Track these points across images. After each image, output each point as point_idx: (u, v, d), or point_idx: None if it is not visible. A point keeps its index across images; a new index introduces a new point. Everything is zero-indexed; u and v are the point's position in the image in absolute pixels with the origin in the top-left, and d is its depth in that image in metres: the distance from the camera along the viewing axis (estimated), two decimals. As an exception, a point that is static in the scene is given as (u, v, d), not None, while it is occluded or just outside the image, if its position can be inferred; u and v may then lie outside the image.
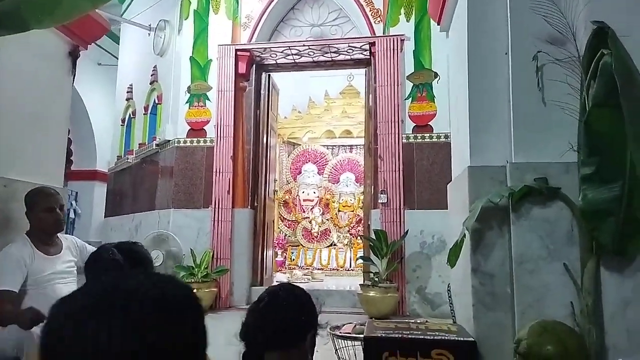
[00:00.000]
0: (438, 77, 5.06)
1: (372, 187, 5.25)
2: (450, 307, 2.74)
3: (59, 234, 2.40)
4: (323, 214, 8.94)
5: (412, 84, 5.15)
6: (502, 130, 2.29)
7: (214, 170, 5.30)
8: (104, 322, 0.50)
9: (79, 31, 3.21)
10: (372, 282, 4.64)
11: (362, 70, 5.69)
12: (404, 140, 5.06)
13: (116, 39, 7.50)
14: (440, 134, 5.02)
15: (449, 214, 2.95)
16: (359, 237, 8.65)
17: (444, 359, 1.91)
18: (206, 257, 4.96)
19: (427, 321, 2.53)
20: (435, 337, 1.97)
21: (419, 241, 4.89)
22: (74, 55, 3.21)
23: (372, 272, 4.81)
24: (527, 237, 2.13)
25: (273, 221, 6.42)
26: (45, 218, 2.28)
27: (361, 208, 8.85)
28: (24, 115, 2.87)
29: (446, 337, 1.96)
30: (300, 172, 9.25)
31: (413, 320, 2.54)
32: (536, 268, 2.09)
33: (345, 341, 2.48)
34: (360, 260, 5.65)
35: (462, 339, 1.97)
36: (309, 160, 9.30)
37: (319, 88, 8.45)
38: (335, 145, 9.45)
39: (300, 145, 9.42)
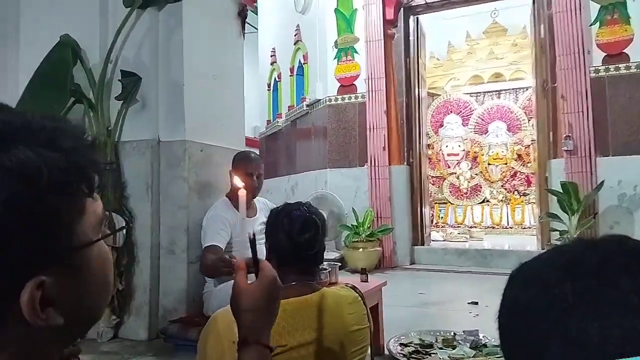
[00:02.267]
0: (638, -9, 4.11)
1: (551, 133, 4.57)
2: None
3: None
4: (471, 168, 8.30)
5: (598, 6, 4.27)
6: None
7: (368, 126, 5.10)
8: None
9: (244, -10, 3.15)
10: (563, 242, 4.08)
11: (510, 2, 4.85)
12: (592, 75, 4.28)
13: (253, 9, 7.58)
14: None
15: None
16: (515, 192, 7.91)
17: None
18: (368, 216, 4.85)
19: None
20: None
21: (617, 193, 4.17)
22: (242, 15, 3.16)
23: (558, 230, 4.24)
24: None
25: (427, 178, 6.07)
26: (244, 182, 2.31)
27: (515, 160, 8.07)
28: (207, 78, 2.90)
29: None
30: (442, 125, 8.64)
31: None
32: None
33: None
34: (541, 218, 5.03)
35: None
36: (452, 111, 8.61)
37: (458, 30, 7.65)
38: (479, 93, 8.61)
39: (440, 95, 8.77)
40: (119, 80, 2.68)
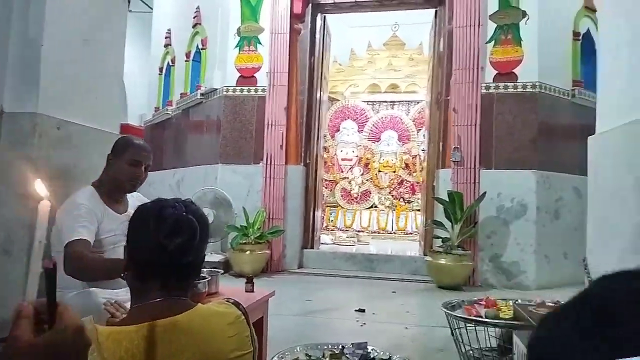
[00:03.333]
0: (527, 17, 4.36)
1: (441, 143, 4.67)
2: (593, 286, 2.21)
3: None
4: (363, 174, 8.43)
5: (495, 25, 4.46)
6: None
7: (266, 122, 4.79)
8: None
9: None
10: (445, 249, 4.16)
11: (410, 19, 4.95)
12: (483, 90, 4.44)
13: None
14: (527, 83, 4.38)
15: (591, 172, 2.37)
16: (401, 199, 8.18)
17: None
18: (259, 216, 4.53)
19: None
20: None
21: (496, 205, 4.36)
22: (126, -27, 2.64)
23: (441, 238, 4.32)
24: None
25: (322, 180, 5.93)
26: (128, 171, 1.87)
27: (403, 168, 8.35)
28: (76, 41, 2.33)
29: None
30: (338, 130, 8.69)
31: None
32: None
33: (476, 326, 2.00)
34: (415, 225, 5.13)
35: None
36: (349, 117, 8.70)
37: (360, 39, 7.74)
38: (376, 102, 8.81)
39: (339, 100, 8.79)
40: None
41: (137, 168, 1.89)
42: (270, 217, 4.72)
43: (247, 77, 4.89)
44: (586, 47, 4.68)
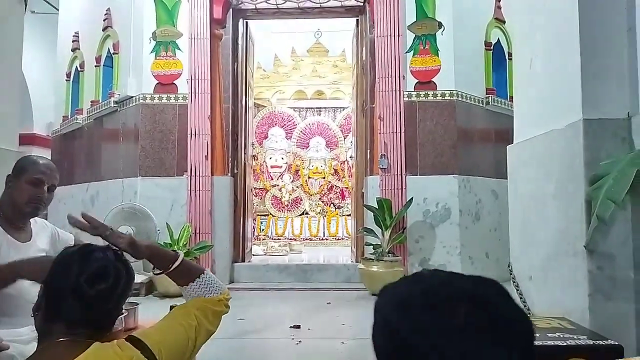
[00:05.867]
0: (443, 28, 4.51)
1: (368, 150, 4.70)
2: (518, 291, 2.28)
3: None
4: (293, 181, 8.34)
5: (413, 35, 4.56)
6: (622, 74, 1.77)
7: (189, 131, 4.53)
8: None
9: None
10: (377, 256, 4.16)
11: (332, 26, 4.94)
12: (406, 99, 4.52)
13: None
14: (445, 92, 4.52)
15: (511, 181, 2.44)
16: (331, 205, 8.19)
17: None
18: (185, 232, 4.26)
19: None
20: (569, 343, 1.48)
21: (422, 210, 4.45)
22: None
23: (372, 245, 4.33)
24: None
25: (251, 190, 5.74)
26: (28, 191, 1.62)
27: (332, 174, 8.38)
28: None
29: (583, 342, 1.49)
30: (266, 137, 8.52)
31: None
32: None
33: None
34: (346, 232, 5.12)
35: (603, 342, 1.50)
36: (276, 124, 8.57)
37: (285, 45, 7.66)
38: (302, 108, 8.76)
39: (265, 107, 8.64)
40: None
41: (39, 188, 1.65)
42: (197, 232, 4.47)
43: (165, 84, 4.59)
44: (497, 56, 4.95)
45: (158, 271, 1.21)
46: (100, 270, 0.93)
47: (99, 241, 1.13)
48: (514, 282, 2.33)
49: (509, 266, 2.43)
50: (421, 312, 0.51)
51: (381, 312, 0.55)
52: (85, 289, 0.90)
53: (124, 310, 1.74)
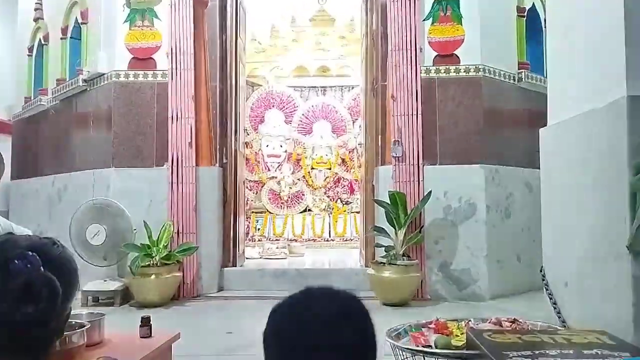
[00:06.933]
0: (467, -10, 4.47)
1: (379, 136, 4.68)
2: (551, 300, 2.26)
3: None
4: (293, 172, 8.33)
5: (432, 0, 4.52)
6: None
7: (170, 114, 4.54)
8: None
9: None
10: (389, 259, 4.15)
11: None
12: (423, 74, 4.50)
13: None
14: (470, 67, 4.49)
15: (544, 171, 2.42)
16: (338, 201, 8.19)
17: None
18: (166, 231, 4.28)
19: (556, 328, 2.04)
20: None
21: (442, 205, 4.44)
22: None
23: (384, 246, 4.32)
24: None
25: (244, 182, 5.75)
26: None
27: (339, 165, 8.36)
28: None
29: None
30: (262, 121, 8.50)
31: (533, 324, 2.04)
32: None
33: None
34: (367, 232, 5.11)
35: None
36: (273, 106, 8.53)
37: (283, 13, 7.62)
38: (305, 87, 8.74)
39: (261, 86, 8.62)
40: None
41: None
42: (180, 231, 4.49)
43: (142, 59, 4.60)
44: (531, 24, 4.90)
45: None
46: (26, 288, 0.80)
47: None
48: (546, 289, 2.32)
49: (541, 271, 2.41)
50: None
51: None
52: (10, 314, 0.79)
53: (86, 323, 1.75)
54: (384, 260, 4.21)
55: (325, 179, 8.32)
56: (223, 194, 4.86)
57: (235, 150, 5.08)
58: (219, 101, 4.77)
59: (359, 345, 0.83)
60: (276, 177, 8.24)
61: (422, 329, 2.24)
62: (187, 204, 4.53)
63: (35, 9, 5.64)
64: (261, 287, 4.72)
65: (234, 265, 4.97)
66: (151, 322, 1.97)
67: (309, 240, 7.71)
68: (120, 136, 4.58)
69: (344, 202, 8.12)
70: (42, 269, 0.82)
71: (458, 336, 2.10)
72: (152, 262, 4.13)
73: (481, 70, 4.48)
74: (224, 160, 4.87)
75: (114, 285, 4.18)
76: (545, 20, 4.85)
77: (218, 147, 4.76)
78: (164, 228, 4.30)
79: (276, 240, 7.56)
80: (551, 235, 2.37)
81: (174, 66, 4.53)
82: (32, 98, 5.67)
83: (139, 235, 4.23)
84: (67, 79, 5.08)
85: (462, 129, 4.48)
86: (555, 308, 2.22)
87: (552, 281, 2.31)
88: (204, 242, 4.59)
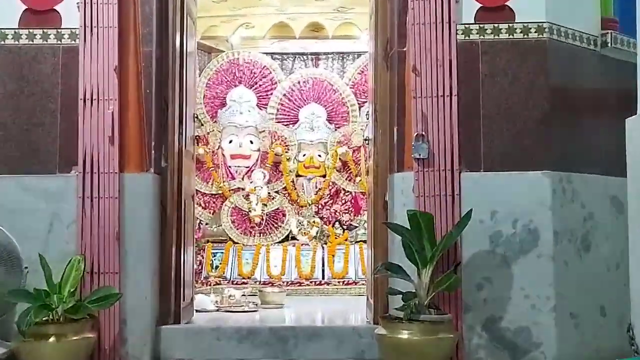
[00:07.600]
0: None
1: (396, 128, 4.74)
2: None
3: None
4: (270, 182, 8.42)
5: None
6: None
7: (82, 96, 4.61)
8: None
9: None
10: (408, 313, 4.18)
11: None
12: (460, 37, 4.57)
13: None
14: (530, 25, 4.56)
15: (633, 179, 2.45)
16: (336, 224, 8.25)
17: None
18: (73, 270, 4.31)
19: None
20: None
21: (489, 232, 4.49)
22: None
23: (401, 293, 4.35)
24: None
25: (193, 197, 5.82)
26: None
27: (339, 170, 8.45)
28: None
29: None
30: (224, 104, 8.64)
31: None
32: None
33: None
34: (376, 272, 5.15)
35: None
36: (241, 82, 8.70)
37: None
38: (287, 54, 8.87)
39: (222, 52, 8.73)
40: None
41: None
42: (95, 270, 4.56)
43: (40, 12, 4.72)
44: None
45: None
46: None
47: None
48: (635, 351, 2.35)
49: (628, 330, 2.44)
50: None
51: None
52: None
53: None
54: (401, 314, 4.23)
55: (317, 192, 8.42)
56: (161, 215, 4.92)
57: (181, 149, 5.15)
58: (155, 75, 4.84)
59: None
60: (244, 189, 8.33)
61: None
62: (107, 229, 4.57)
63: None
64: (218, 354, 4.79)
65: (177, 321, 5.01)
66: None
67: (291, 283, 7.80)
68: (6, 127, 4.66)
69: (344, 227, 8.21)
70: None
71: None
72: (51, 316, 4.16)
73: (547, 30, 4.54)
74: (163, 164, 4.93)
75: (-4, 351, 4.21)
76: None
77: (153, 143, 4.81)
78: (70, 266, 4.33)
79: (243, 283, 7.64)
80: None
81: (88, 22, 4.61)
82: None
83: (33, 277, 4.27)
84: None
85: (519, 118, 4.54)
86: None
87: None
88: (131, 287, 4.63)
